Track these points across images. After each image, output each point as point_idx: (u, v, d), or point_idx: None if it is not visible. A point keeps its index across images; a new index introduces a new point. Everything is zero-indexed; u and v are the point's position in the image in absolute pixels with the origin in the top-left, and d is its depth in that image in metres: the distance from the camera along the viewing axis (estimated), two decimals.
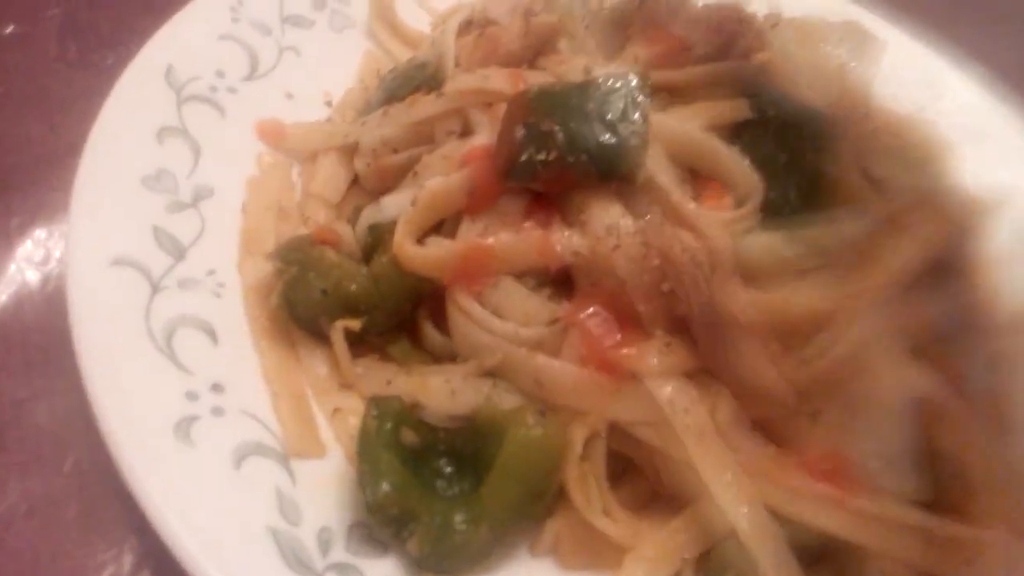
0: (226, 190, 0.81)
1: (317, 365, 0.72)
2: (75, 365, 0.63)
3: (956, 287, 0.77)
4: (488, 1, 0.91)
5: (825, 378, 0.67)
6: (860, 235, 0.71)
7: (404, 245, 0.70)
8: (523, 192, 0.71)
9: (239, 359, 0.70)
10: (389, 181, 0.82)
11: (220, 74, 0.88)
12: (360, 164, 0.83)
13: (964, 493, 0.68)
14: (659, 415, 0.65)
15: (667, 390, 0.65)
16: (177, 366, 0.66)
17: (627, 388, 0.66)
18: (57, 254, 0.81)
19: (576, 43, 0.80)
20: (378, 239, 0.75)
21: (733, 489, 0.63)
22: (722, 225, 0.67)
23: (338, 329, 0.70)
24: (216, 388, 0.66)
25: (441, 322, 0.72)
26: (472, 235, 0.71)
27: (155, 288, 0.69)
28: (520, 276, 0.70)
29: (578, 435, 0.65)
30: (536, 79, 0.76)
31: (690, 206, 0.68)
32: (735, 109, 0.75)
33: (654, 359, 0.66)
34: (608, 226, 0.67)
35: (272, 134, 0.88)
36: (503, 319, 0.68)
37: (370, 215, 0.76)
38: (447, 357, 0.72)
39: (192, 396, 0.64)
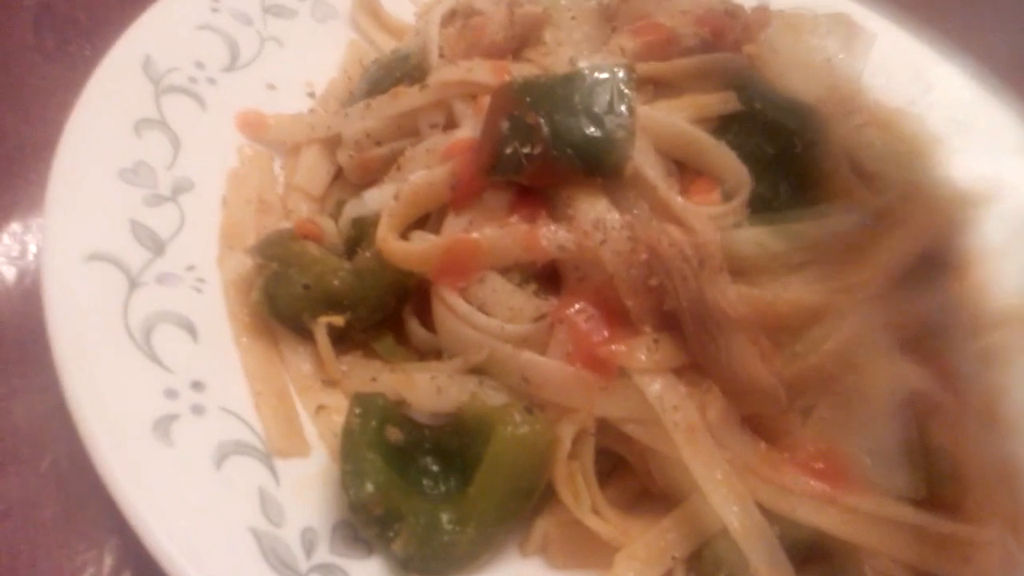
0: (206, 183, 0.79)
1: (300, 362, 0.71)
2: (52, 363, 0.61)
3: (947, 281, 0.76)
4: None
5: (816, 374, 0.66)
6: (850, 230, 0.71)
7: (387, 240, 0.69)
8: (508, 186, 0.70)
9: (220, 356, 0.68)
10: (373, 174, 0.81)
11: (200, 65, 0.86)
12: (343, 156, 0.82)
13: (958, 490, 0.69)
14: (648, 412, 0.64)
15: (656, 387, 0.64)
16: (156, 363, 0.64)
17: (616, 385, 0.65)
18: (34, 249, 0.79)
19: (562, 34, 0.79)
20: (362, 233, 0.74)
21: (724, 487, 0.62)
22: (710, 219, 0.66)
23: (321, 325, 0.69)
24: (196, 386, 0.65)
25: (427, 318, 0.71)
26: (457, 230, 0.70)
27: (133, 284, 0.68)
28: (506, 271, 0.68)
29: (566, 433, 0.64)
30: (521, 71, 0.75)
31: (678, 200, 0.67)
32: (723, 102, 0.74)
33: (643, 355, 0.65)
34: (595, 220, 0.66)
35: (253, 125, 0.86)
36: (489, 315, 0.67)
37: (353, 209, 0.75)
38: (433, 354, 0.71)
39: (171, 394, 0.63)
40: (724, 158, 0.70)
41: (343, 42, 0.99)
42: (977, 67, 1.12)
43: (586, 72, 0.69)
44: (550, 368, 0.65)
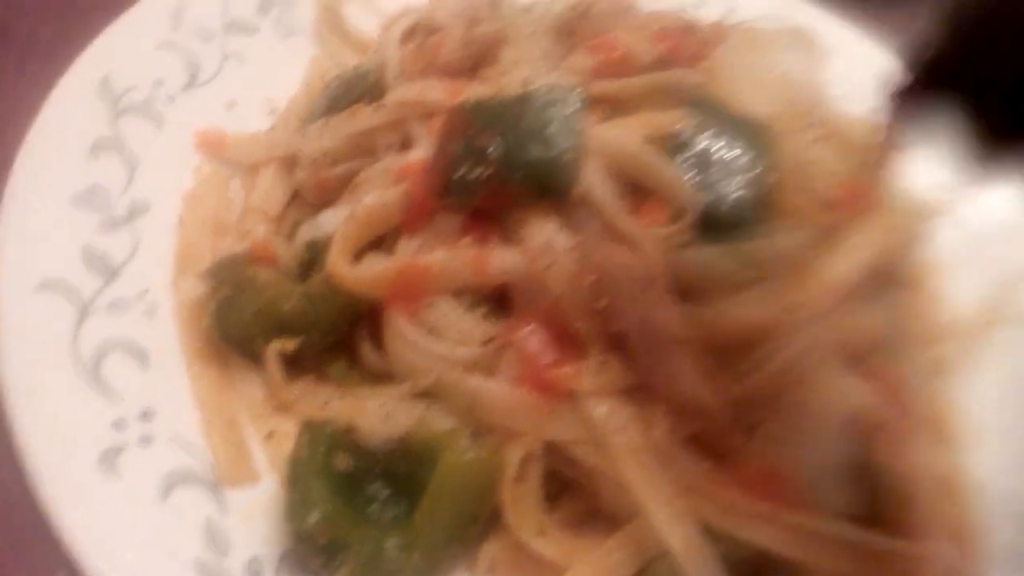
0: (163, 205, 0.80)
1: (253, 388, 0.72)
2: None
3: (895, 296, 0.77)
4: (435, 7, 0.89)
5: (760, 393, 0.67)
6: (798, 247, 0.71)
7: (338, 264, 0.69)
8: (461, 208, 0.70)
9: (171, 383, 0.69)
10: (330, 194, 0.81)
11: (158, 84, 0.86)
12: (300, 176, 0.82)
13: (901, 505, 0.69)
14: (595, 434, 0.65)
15: (602, 408, 0.65)
16: (104, 394, 0.65)
17: (563, 407, 0.66)
18: None
19: (520, 51, 0.79)
20: (316, 256, 0.74)
21: (667, 507, 0.63)
22: (658, 240, 0.66)
23: (272, 351, 0.69)
24: (145, 415, 0.65)
25: (380, 342, 0.71)
26: (409, 252, 0.70)
27: (84, 312, 0.69)
28: (457, 294, 0.69)
29: (513, 456, 0.65)
30: (476, 91, 0.75)
31: (626, 221, 0.67)
32: (676, 119, 0.74)
33: (590, 377, 0.66)
34: (544, 243, 0.67)
35: (212, 144, 0.86)
36: (439, 338, 0.68)
37: (308, 231, 0.75)
38: (387, 378, 0.71)
39: (119, 425, 0.64)
40: (673, 177, 0.70)
41: (306, 58, 0.98)
42: None
43: (537, 94, 0.69)
44: (498, 392, 0.66)
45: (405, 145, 0.78)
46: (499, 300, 0.70)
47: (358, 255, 0.72)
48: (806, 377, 0.68)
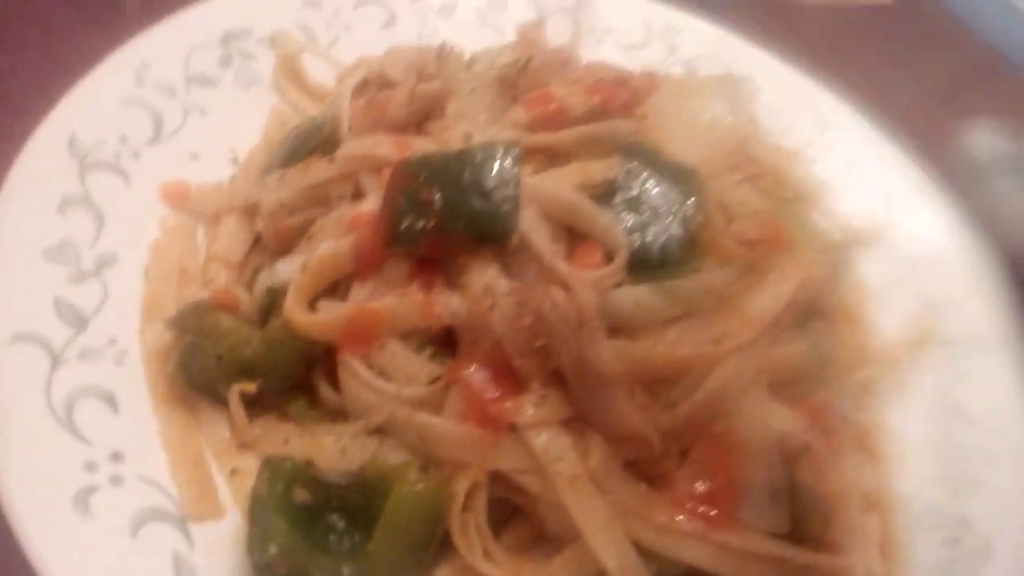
0: (130, 256, 0.84)
1: (218, 428, 0.76)
2: None
3: (818, 325, 0.83)
4: (385, 61, 0.95)
5: (689, 420, 0.72)
6: (723, 284, 0.77)
7: (294, 311, 0.74)
8: (408, 256, 0.75)
9: (140, 426, 0.73)
10: (289, 241, 0.86)
11: (124, 139, 0.90)
12: (260, 225, 0.87)
13: (823, 522, 0.74)
14: (537, 463, 0.70)
15: (542, 439, 0.70)
16: (77, 438, 0.69)
17: (506, 439, 0.71)
18: None
19: (463, 105, 0.84)
20: (275, 301, 0.79)
21: (603, 530, 0.68)
22: (590, 282, 0.71)
23: (235, 393, 0.74)
24: (116, 457, 0.69)
25: (336, 382, 0.76)
26: (361, 297, 0.75)
27: (56, 361, 0.73)
28: (406, 336, 0.74)
29: (460, 486, 0.70)
30: (421, 145, 0.81)
31: (561, 265, 0.72)
32: (607, 168, 0.79)
33: (530, 411, 0.71)
34: (484, 287, 0.72)
35: (176, 196, 0.90)
36: (389, 379, 0.73)
37: (266, 279, 0.80)
38: (343, 415, 0.76)
39: (91, 467, 0.68)
40: (603, 223, 0.76)
41: (266, 108, 1.03)
42: (871, 108, 1.19)
43: (476, 150, 0.75)
44: (444, 427, 0.71)
45: (357, 195, 0.83)
46: (445, 341, 0.75)
47: (313, 301, 0.77)
48: (732, 405, 0.73)
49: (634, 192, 0.79)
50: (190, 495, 0.70)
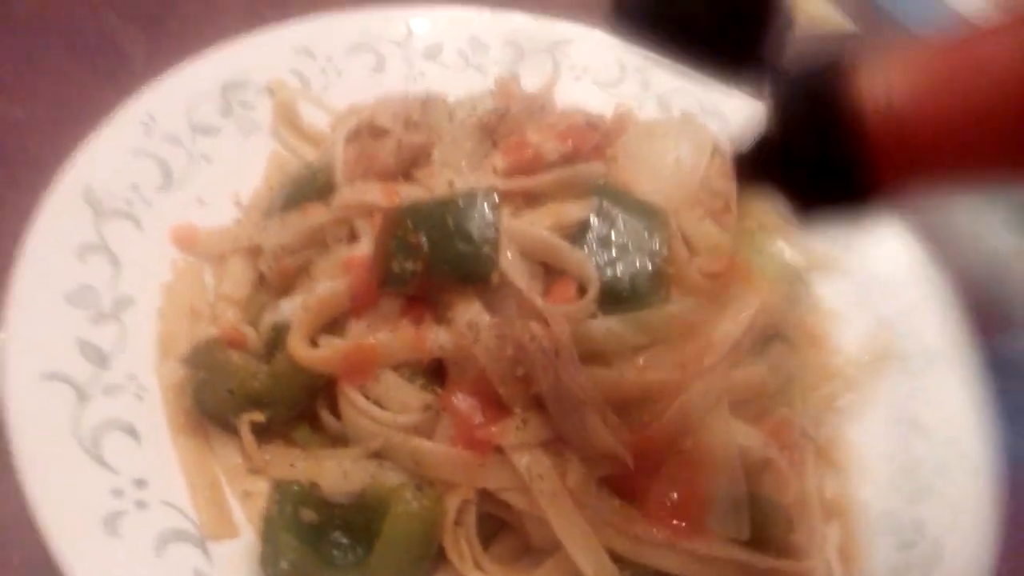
0: (145, 297, 0.90)
1: (230, 454, 0.83)
2: (14, 472, 0.73)
3: (778, 348, 0.90)
4: (375, 109, 1.03)
5: (659, 439, 0.79)
6: (687, 313, 0.84)
7: (297, 348, 0.81)
8: (399, 295, 0.82)
9: (160, 455, 0.80)
10: (290, 280, 0.93)
11: (135, 188, 0.96)
12: (263, 266, 0.94)
13: (784, 530, 0.81)
14: (520, 482, 0.77)
15: (525, 459, 0.77)
16: (104, 467, 0.76)
17: (492, 460, 0.77)
18: None
19: (445, 155, 0.92)
20: (279, 337, 0.86)
21: (581, 540, 0.75)
22: (565, 315, 0.79)
23: (245, 422, 0.81)
24: (140, 483, 0.76)
25: (336, 410, 0.83)
26: (357, 332, 0.82)
27: (82, 397, 0.79)
28: (398, 368, 0.81)
29: (452, 504, 0.77)
30: (409, 192, 0.88)
31: (538, 300, 0.80)
32: (580, 209, 0.87)
33: (513, 434, 0.77)
34: (469, 323, 0.79)
35: (185, 240, 0.97)
36: (384, 408, 0.80)
37: (271, 317, 0.87)
38: (343, 441, 0.83)
39: (118, 493, 0.74)
40: (576, 260, 0.83)
41: (266, 153, 1.10)
42: None
43: (458, 198, 0.82)
44: (436, 451, 0.78)
45: (352, 237, 0.90)
46: (435, 372, 0.82)
47: (314, 337, 0.84)
48: (698, 424, 0.80)
49: (605, 230, 0.87)
50: (208, 516, 0.77)
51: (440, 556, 0.78)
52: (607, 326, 0.81)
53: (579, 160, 0.92)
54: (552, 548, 0.78)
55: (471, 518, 0.78)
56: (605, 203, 0.88)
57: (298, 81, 1.15)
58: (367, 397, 0.80)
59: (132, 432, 0.80)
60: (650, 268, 0.85)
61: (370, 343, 0.80)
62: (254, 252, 0.96)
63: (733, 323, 0.85)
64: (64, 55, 1.22)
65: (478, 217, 0.80)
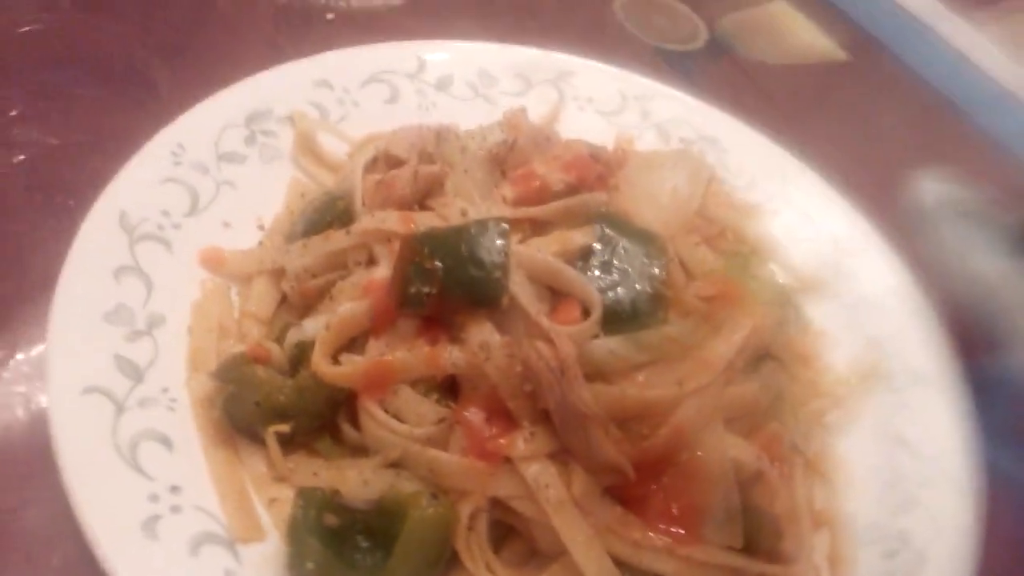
0: (175, 315, 0.96)
1: (256, 463, 0.88)
2: (57, 478, 0.77)
3: (769, 367, 0.96)
4: (391, 140, 1.09)
5: (657, 452, 0.85)
6: (684, 334, 0.90)
7: (320, 364, 0.87)
8: (416, 316, 0.88)
9: (192, 463, 0.85)
10: (311, 300, 0.99)
11: (166, 213, 1.02)
12: (286, 287, 1.00)
13: (774, 538, 0.87)
14: (528, 490, 0.82)
15: (533, 469, 0.82)
16: (141, 473, 0.81)
17: (502, 470, 0.83)
18: (34, 382, 0.95)
19: (457, 185, 0.98)
20: (302, 354, 0.91)
21: (585, 545, 0.80)
22: (569, 336, 0.84)
23: (271, 433, 0.86)
24: (174, 490, 0.82)
25: (357, 423, 0.89)
26: (376, 351, 0.88)
27: (120, 409, 0.85)
28: (415, 384, 0.87)
29: (464, 511, 0.82)
30: (424, 219, 0.94)
31: (545, 321, 0.85)
32: (584, 236, 0.93)
33: (522, 445, 0.83)
34: (481, 342, 0.85)
35: (213, 261, 1.03)
36: (402, 421, 0.85)
37: (295, 335, 0.93)
38: (363, 451, 0.88)
39: (154, 498, 0.80)
40: (580, 284, 0.89)
41: (287, 180, 1.16)
42: (829, 159, 1.33)
43: (471, 226, 0.88)
44: (450, 461, 0.83)
45: (371, 261, 0.96)
46: (449, 387, 0.87)
47: (336, 355, 0.90)
48: (694, 438, 0.86)
49: (607, 256, 0.93)
50: (237, 521, 0.82)
51: (454, 559, 0.83)
52: (609, 346, 0.87)
53: (583, 190, 0.98)
54: (558, 553, 0.83)
55: (483, 524, 0.83)
56: (607, 230, 0.94)
57: (317, 112, 1.21)
58: (386, 411, 0.86)
59: (166, 441, 0.85)
60: (649, 291, 0.91)
61: (388, 360, 0.86)
62: (278, 274, 1.02)
63: (727, 343, 0.90)
64: (95, 86, 1.29)
65: (489, 244, 0.86)
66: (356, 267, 0.96)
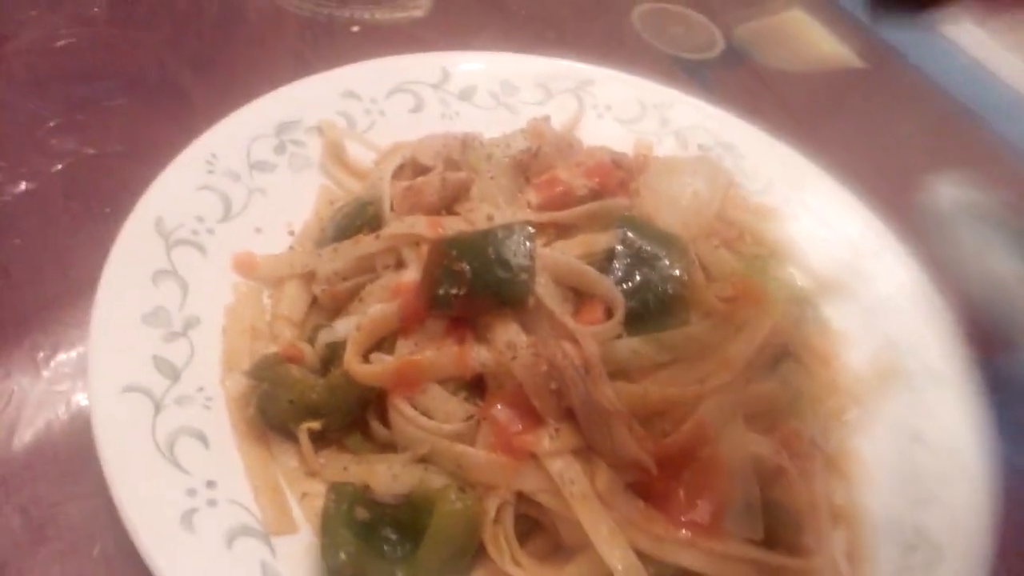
0: (210, 317, 0.99)
1: (289, 459, 0.91)
2: (97, 473, 0.80)
3: (788, 365, 0.98)
4: (417, 148, 1.12)
5: (679, 448, 0.87)
6: (705, 334, 0.92)
7: (352, 363, 0.90)
8: (444, 316, 0.91)
9: (227, 459, 0.88)
10: (341, 303, 1.02)
11: (200, 219, 1.05)
12: (317, 290, 1.03)
13: (793, 531, 0.89)
14: (553, 485, 0.84)
15: (558, 465, 0.85)
16: (179, 469, 0.84)
17: (528, 466, 0.85)
18: (76, 381, 0.99)
19: (483, 191, 1.01)
20: (333, 354, 0.94)
21: (609, 539, 0.82)
22: (594, 336, 0.87)
23: (303, 430, 0.89)
24: (210, 484, 0.84)
25: (386, 420, 0.91)
26: (405, 351, 0.91)
27: (158, 407, 0.88)
28: (443, 382, 0.90)
29: (491, 504, 0.84)
30: (452, 224, 0.97)
31: (570, 322, 0.88)
32: (606, 239, 0.95)
33: (547, 442, 0.85)
34: (507, 342, 0.87)
35: (245, 266, 1.06)
36: (431, 418, 0.88)
37: (326, 336, 0.96)
38: (392, 447, 0.91)
39: (191, 492, 0.82)
40: (603, 286, 0.91)
41: (315, 187, 1.19)
42: (847, 163, 1.35)
43: (498, 230, 0.91)
44: (477, 456, 0.85)
45: (400, 265, 0.99)
46: (476, 385, 0.90)
47: (366, 354, 0.93)
48: (715, 434, 0.88)
49: (629, 258, 0.95)
50: (271, 514, 0.84)
51: (480, 552, 0.86)
52: (632, 345, 0.90)
53: (605, 195, 1.01)
54: (582, 546, 0.85)
55: (509, 517, 0.86)
56: (629, 234, 0.96)
57: (345, 121, 1.24)
58: (415, 408, 0.89)
59: (202, 438, 0.88)
60: (671, 292, 0.94)
61: (417, 360, 0.89)
62: (309, 277, 1.05)
63: (747, 343, 0.92)
64: (129, 98, 1.33)
65: (515, 247, 0.89)
66: (385, 270, 0.99)
